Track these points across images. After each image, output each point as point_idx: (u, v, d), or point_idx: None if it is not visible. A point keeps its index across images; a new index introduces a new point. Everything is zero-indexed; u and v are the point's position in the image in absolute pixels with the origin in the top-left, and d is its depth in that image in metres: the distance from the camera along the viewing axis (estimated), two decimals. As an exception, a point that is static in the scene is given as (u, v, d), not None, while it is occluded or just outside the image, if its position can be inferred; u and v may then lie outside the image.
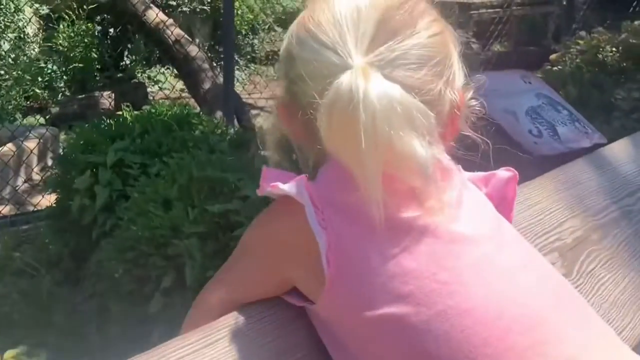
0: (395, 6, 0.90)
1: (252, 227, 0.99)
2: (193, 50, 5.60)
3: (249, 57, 7.58)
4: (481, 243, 0.90)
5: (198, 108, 5.27)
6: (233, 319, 0.90)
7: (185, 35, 5.83)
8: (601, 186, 1.45)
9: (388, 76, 0.85)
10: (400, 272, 0.84)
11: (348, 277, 0.85)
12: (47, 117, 5.90)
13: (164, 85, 6.79)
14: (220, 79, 5.53)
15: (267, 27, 7.94)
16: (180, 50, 5.60)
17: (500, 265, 0.89)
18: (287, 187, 0.88)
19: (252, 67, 7.57)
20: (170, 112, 3.31)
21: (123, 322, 2.48)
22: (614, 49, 4.90)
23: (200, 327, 0.90)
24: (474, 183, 1.01)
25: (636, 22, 5.18)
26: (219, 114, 4.78)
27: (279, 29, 8.13)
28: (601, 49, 4.94)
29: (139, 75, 6.96)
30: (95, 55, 6.42)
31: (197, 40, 6.57)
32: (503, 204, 1.03)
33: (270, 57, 7.82)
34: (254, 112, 6.07)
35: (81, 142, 3.17)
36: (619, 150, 1.63)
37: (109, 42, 6.75)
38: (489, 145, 1.00)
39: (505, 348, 0.83)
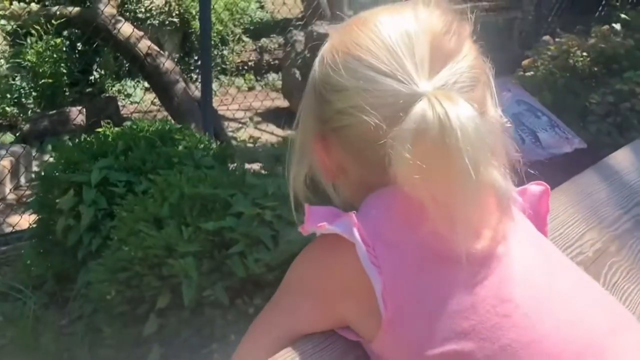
0: (443, 30, 0.89)
1: (299, 266, 0.96)
2: (165, 62, 5.57)
3: (219, 68, 7.54)
4: (535, 271, 0.89)
5: (171, 120, 5.24)
6: (290, 355, 0.88)
7: (157, 48, 5.80)
8: (610, 197, 1.46)
9: None
10: (461, 307, 0.82)
11: (407, 317, 0.83)
12: (17, 134, 5.79)
13: (135, 99, 6.73)
14: (193, 91, 5.51)
15: (236, 37, 7.90)
16: (152, 63, 5.56)
17: (556, 292, 0.88)
18: (336, 227, 0.85)
19: (223, 79, 7.53)
20: (152, 128, 3.27)
21: (116, 344, 2.44)
22: (584, 53, 4.96)
23: None
24: None
25: (605, 27, 5.26)
26: (192, 125, 4.75)
27: (248, 40, 8.11)
28: (572, 54, 5.01)
29: (109, 89, 6.89)
30: (64, 70, 6.32)
31: (167, 53, 6.52)
32: (537, 219, 1.02)
33: (240, 68, 7.79)
34: (225, 124, 6.05)
35: (62, 161, 3.11)
36: (622, 159, 1.65)
37: (78, 56, 6.66)
38: (519, 161, 0.99)
39: None
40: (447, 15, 0.91)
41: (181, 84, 5.49)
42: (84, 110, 5.91)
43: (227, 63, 7.69)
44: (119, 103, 6.66)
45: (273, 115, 6.40)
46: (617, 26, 5.28)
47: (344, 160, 0.93)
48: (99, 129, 3.38)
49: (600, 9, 7.75)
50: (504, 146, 0.85)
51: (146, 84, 6.49)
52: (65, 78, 6.36)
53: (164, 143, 3.15)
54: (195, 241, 2.29)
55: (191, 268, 2.21)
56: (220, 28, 7.53)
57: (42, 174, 3.16)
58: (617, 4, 7.24)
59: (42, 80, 6.15)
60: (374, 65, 0.87)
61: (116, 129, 3.33)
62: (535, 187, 1.03)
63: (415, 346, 0.82)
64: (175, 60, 6.84)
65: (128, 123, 3.70)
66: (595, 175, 1.52)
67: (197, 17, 7.09)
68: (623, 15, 5.67)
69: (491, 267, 0.85)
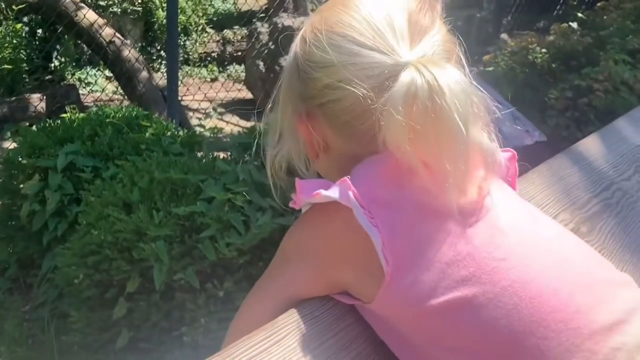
0: (418, 7, 0.95)
1: (296, 234, 0.99)
2: (127, 50, 5.51)
3: (181, 58, 7.49)
4: (520, 220, 0.95)
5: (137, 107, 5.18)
6: (291, 319, 0.91)
7: (120, 36, 5.74)
8: (581, 181, 1.52)
9: None
10: (458, 257, 0.86)
11: (407, 269, 0.86)
12: (-25, 120, 5.68)
13: (96, 87, 6.65)
14: (156, 80, 5.47)
15: (199, 28, 7.85)
16: (115, 51, 5.51)
17: (543, 237, 0.94)
18: (332, 193, 0.89)
19: (187, 69, 7.48)
20: (118, 114, 3.25)
21: (83, 329, 2.42)
22: (543, 50, 5.07)
23: (258, 329, 0.90)
24: None
25: (564, 25, 5.37)
26: (156, 114, 4.71)
27: (211, 31, 8.07)
28: (531, 50, 5.11)
29: (70, 77, 6.79)
30: (24, 57, 6.21)
31: (129, 41, 6.45)
32: (506, 182, 1.07)
33: (203, 59, 7.74)
34: (190, 114, 6.02)
35: (26, 146, 3.08)
36: (590, 146, 1.71)
37: (38, 43, 6.55)
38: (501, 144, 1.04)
39: (573, 310, 0.86)
40: None
41: (145, 73, 5.44)
42: (45, 97, 5.82)
43: (190, 53, 7.64)
44: (80, 91, 6.57)
45: (236, 107, 6.39)
46: (574, 25, 5.41)
47: (328, 135, 0.97)
48: (64, 115, 3.34)
49: (557, 8, 7.90)
50: (486, 108, 0.90)
51: (108, 73, 6.41)
52: (24, 64, 6.26)
53: (131, 129, 3.13)
54: (166, 225, 2.29)
55: (162, 252, 2.21)
56: (184, 18, 7.48)
57: (6, 158, 3.12)
58: (575, 3, 7.39)
59: (2, 66, 6.04)
60: (357, 40, 0.92)
61: (82, 114, 3.30)
62: (503, 153, 1.08)
63: (417, 298, 0.86)
64: (138, 49, 6.77)
65: (94, 109, 3.67)
66: (567, 159, 1.58)
67: (160, 6, 7.04)
68: (580, 15, 5.80)
69: (481, 218, 0.90)
